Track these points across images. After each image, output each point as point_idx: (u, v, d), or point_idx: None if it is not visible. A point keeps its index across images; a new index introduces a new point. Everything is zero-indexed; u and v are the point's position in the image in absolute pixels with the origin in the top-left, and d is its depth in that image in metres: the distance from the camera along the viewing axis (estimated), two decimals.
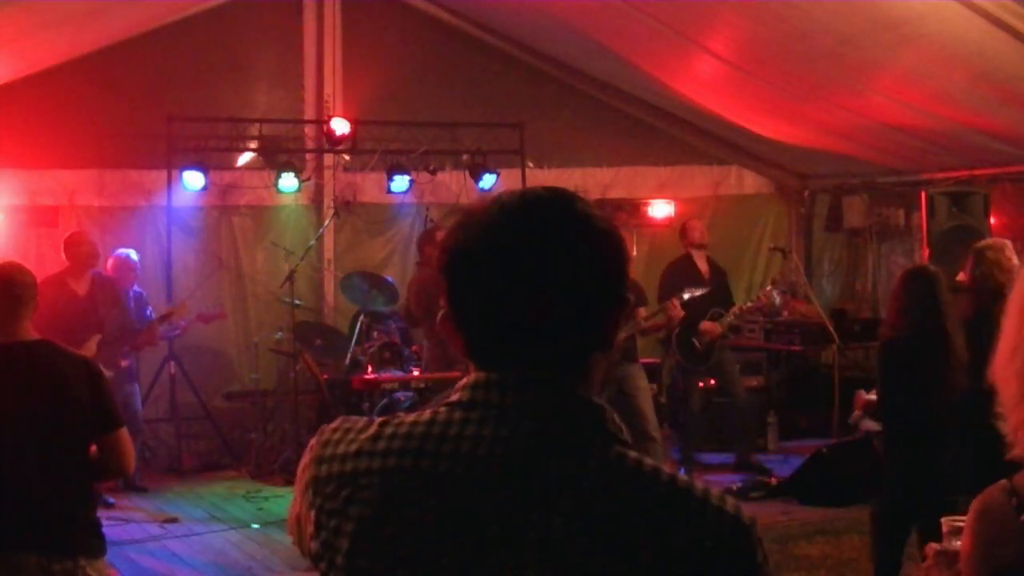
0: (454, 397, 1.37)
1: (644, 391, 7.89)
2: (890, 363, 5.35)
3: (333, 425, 1.45)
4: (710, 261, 8.96)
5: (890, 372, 5.35)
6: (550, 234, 1.32)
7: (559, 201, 1.36)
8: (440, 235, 8.05)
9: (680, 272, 8.72)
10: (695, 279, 8.62)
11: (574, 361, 1.34)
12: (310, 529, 1.39)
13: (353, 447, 1.38)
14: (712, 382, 9.19)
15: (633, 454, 1.31)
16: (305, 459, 1.44)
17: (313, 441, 1.45)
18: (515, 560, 1.25)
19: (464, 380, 1.38)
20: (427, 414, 1.37)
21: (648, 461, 1.31)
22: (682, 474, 1.32)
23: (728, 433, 9.09)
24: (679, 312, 8.13)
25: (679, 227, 9.17)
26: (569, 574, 1.23)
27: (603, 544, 1.23)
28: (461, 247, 1.36)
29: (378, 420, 1.40)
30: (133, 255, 8.54)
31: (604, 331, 1.36)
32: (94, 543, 3.67)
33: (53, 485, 3.57)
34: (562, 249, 1.32)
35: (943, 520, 2.50)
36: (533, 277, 1.31)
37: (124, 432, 3.72)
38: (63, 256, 7.91)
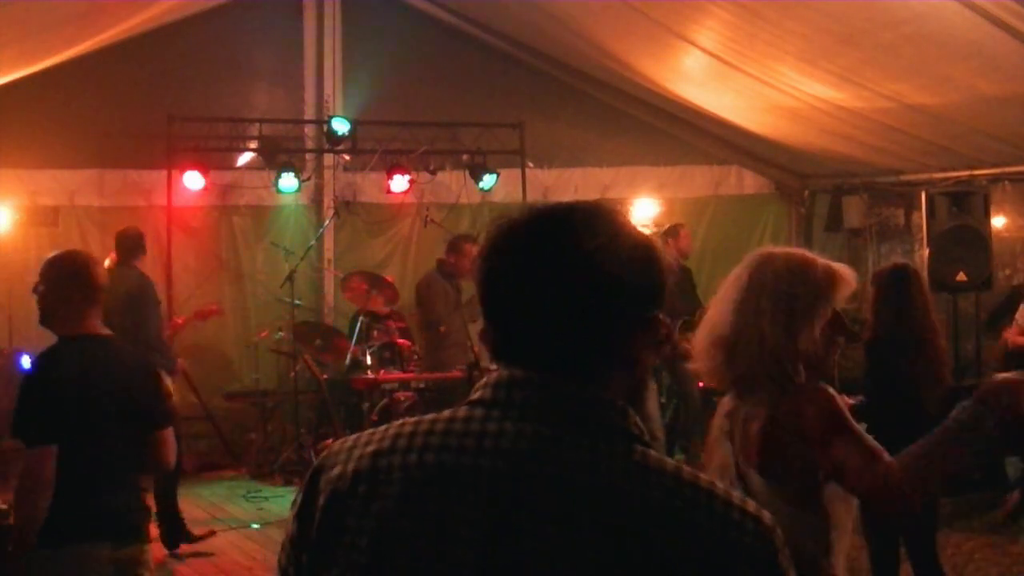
0: (475, 395, 1.37)
1: (651, 391, 7.91)
2: (869, 364, 5.33)
3: (339, 440, 1.45)
4: (679, 262, 9.04)
5: (870, 373, 5.33)
6: (573, 252, 1.33)
7: (581, 222, 1.36)
8: (468, 247, 8.33)
9: None
10: None
11: (595, 373, 1.34)
12: (312, 534, 1.36)
13: (370, 448, 1.37)
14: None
15: (655, 453, 1.30)
16: (308, 474, 1.43)
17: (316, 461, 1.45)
18: (536, 553, 1.23)
19: (485, 379, 1.38)
20: (447, 412, 1.37)
21: (670, 461, 1.30)
22: (708, 477, 1.30)
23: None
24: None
25: (669, 227, 9.20)
26: (589, 570, 1.22)
27: (623, 541, 1.22)
28: (489, 253, 1.38)
29: (396, 423, 1.40)
30: None
31: (626, 351, 1.36)
32: (148, 530, 3.80)
33: (124, 475, 3.65)
34: (584, 270, 1.32)
35: None
36: (552, 291, 1.32)
37: (172, 431, 3.84)
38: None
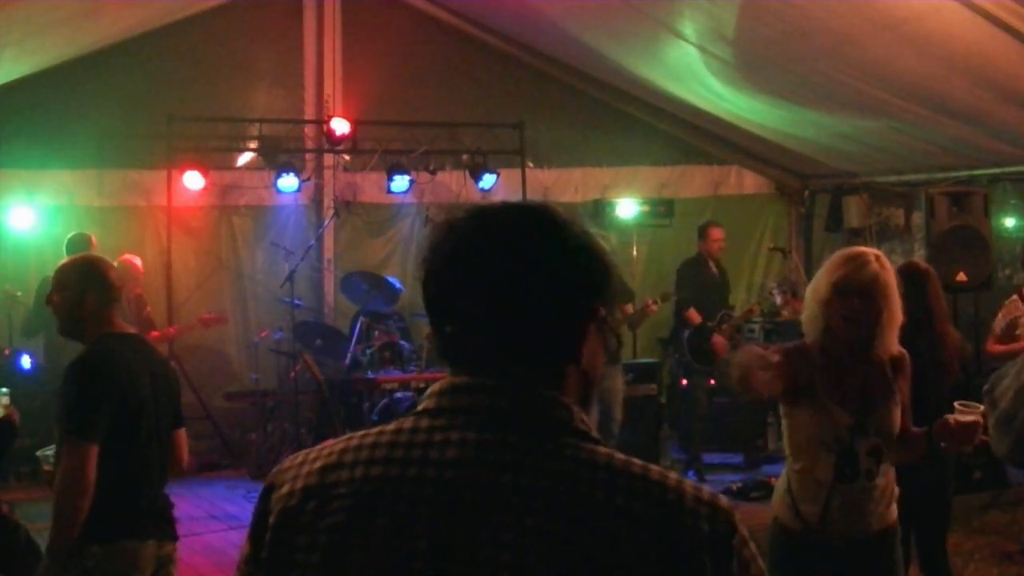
0: (421, 405, 1.37)
1: (616, 392, 8.10)
2: None
3: (289, 457, 1.44)
4: (717, 263, 9.21)
5: None
6: (512, 249, 1.33)
7: (529, 217, 1.37)
8: None
9: (694, 271, 9.02)
10: (707, 278, 8.97)
11: (541, 370, 1.34)
12: (263, 554, 1.35)
13: (319, 464, 1.36)
14: (712, 382, 9.24)
15: (604, 449, 1.30)
16: (260, 493, 1.41)
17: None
18: (490, 562, 1.23)
19: (432, 388, 1.38)
20: (393, 424, 1.37)
21: (619, 455, 1.30)
22: (658, 468, 1.30)
23: (731, 433, 9.12)
24: (653, 310, 8.65)
25: (700, 227, 9.22)
26: (547, 573, 1.21)
27: (579, 540, 1.22)
28: (433, 252, 1.38)
29: (343, 437, 1.39)
30: (137, 261, 8.53)
31: (570, 343, 1.36)
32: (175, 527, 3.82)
33: (164, 472, 3.68)
34: (523, 264, 1.33)
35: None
36: (493, 288, 1.32)
37: (184, 431, 3.82)
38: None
